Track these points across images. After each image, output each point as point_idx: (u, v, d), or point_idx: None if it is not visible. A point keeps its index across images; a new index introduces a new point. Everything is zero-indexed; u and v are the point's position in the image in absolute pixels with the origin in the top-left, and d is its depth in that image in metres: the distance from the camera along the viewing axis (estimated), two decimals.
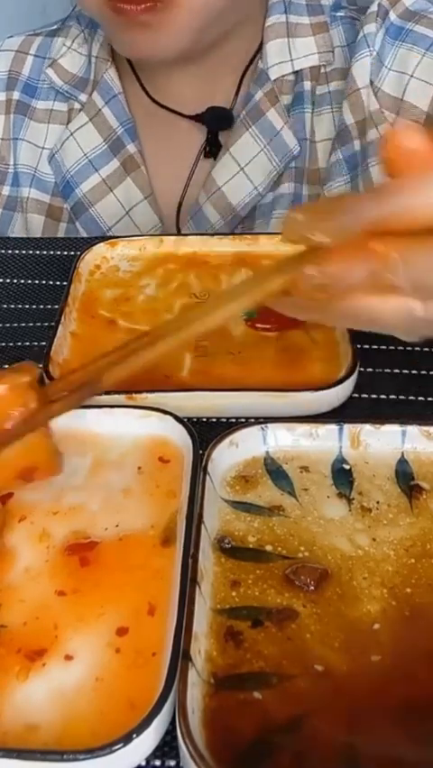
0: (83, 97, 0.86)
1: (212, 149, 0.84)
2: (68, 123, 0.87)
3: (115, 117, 0.85)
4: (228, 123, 0.83)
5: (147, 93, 0.86)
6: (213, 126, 0.84)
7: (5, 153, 0.89)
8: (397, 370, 0.58)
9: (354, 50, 0.80)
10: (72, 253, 0.69)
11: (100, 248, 0.68)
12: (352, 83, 0.80)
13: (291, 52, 0.82)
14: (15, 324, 0.63)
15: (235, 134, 0.82)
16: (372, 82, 0.79)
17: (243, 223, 0.83)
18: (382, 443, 0.49)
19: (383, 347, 0.59)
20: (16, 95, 0.89)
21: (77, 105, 0.87)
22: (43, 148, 0.87)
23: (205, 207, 0.82)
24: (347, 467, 0.49)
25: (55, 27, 0.90)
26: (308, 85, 0.82)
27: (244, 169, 0.82)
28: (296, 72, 0.82)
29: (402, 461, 0.49)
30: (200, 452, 0.48)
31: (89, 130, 0.86)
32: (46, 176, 0.87)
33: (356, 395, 0.55)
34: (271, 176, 0.82)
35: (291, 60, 0.82)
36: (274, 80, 0.82)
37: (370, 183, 0.81)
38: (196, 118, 0.84)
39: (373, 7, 0.80)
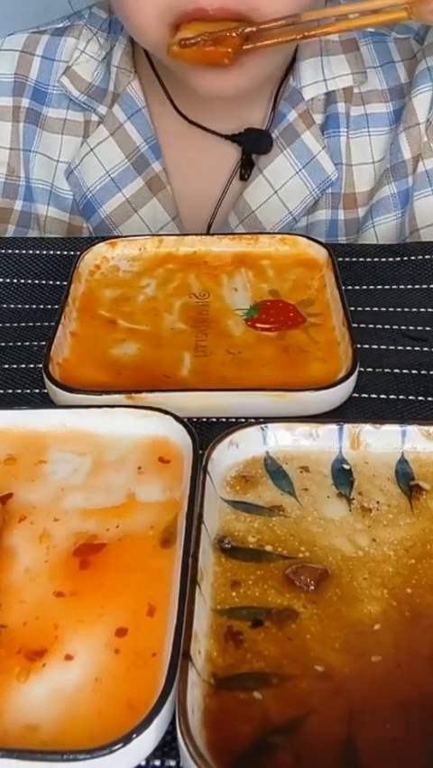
0: (102, 109, 0.82)
1: (246, 170, 0.81)
2: (85, 136, 0.82)
3: (139, 133, 0.81)
4: (267, 146, 0.80)
5: (178, 111, 0.82)
6: (251, 148, 0.81)
7: (15, 165, 0.84)
8: (397, 370, 0.58)
9: (415, 83, 0.78)
10: (72, 253, 0.69)
11: (100, 248, 0.68)
12: (411, 116, 0.78)
13: (325, 72, 0.79)
14: (15, 324, 0.63)
15: (269, 155, 0.79)
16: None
17: None
18: (382, 443, 0.49)
19: (383, 347, 0.59)
20: (25, 101, 0.84)
21: (94, 117, 0.82)
22: (58, 161, 0.83)
23: (236, 231, 0.79)
24: (347, 467, 0.49)
25: (61, 25, 0.85)
26: (342, 107, 0.80)
27: (279, 192, 0.79)
28: (328, 93, 0.80)
29: (402, 461, 0.49)
30: (200, 452, 0.48)
31: (110, 145, 0.81)
32: (64, 192, 0.83)
33: (356, 395, 0.55)
34: (306, 201, 0.79)
35: (325, 81, 0.79)
36: (308, 101, 0.79)
37: (413, 219, 0.79)
38: (232, 138, 0.81)
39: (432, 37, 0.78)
